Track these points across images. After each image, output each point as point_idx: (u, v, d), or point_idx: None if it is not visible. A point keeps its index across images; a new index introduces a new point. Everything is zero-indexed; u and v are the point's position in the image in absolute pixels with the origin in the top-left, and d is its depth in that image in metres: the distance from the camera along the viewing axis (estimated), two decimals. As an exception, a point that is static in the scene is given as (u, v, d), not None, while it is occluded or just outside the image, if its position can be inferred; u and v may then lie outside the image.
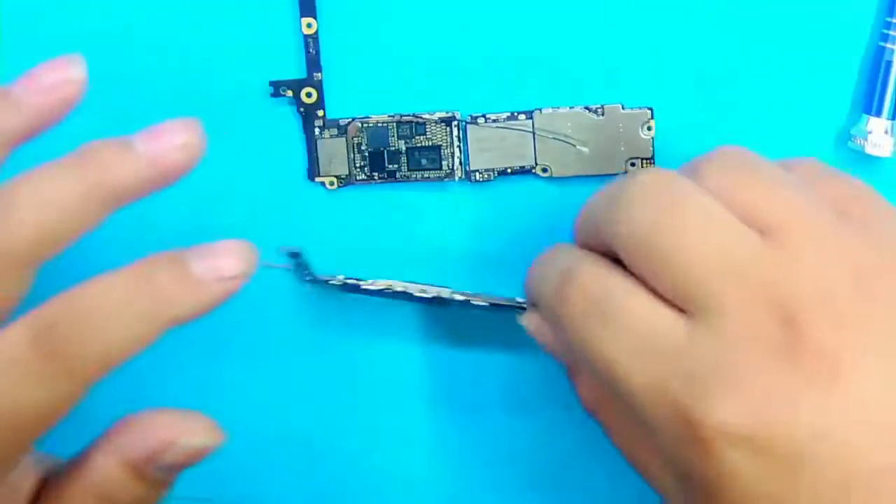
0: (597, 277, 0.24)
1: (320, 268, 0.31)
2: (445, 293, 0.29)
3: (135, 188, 0.24)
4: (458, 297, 0.28)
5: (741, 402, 0.21)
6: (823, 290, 0.21)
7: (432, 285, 0.29)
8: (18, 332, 0.23)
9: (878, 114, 0.28)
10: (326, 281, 0.29)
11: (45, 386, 0.23)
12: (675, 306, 0.22)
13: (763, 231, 0.22)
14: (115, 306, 0.23)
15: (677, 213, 0.22)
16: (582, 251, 0.25)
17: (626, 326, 0.23)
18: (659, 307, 0.23)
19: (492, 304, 0.28)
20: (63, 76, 0.24)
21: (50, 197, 0.23)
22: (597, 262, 0.24)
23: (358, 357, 0.32)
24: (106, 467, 0.24)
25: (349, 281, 0.29)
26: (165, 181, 0.24)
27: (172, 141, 0.23)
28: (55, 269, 0.32)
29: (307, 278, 0.29)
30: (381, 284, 0.29)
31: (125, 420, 0.25)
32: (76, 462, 0.25)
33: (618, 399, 0.23)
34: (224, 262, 0.23)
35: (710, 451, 0.21)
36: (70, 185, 0.23)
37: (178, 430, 0.24)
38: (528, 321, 0.27)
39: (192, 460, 0.24)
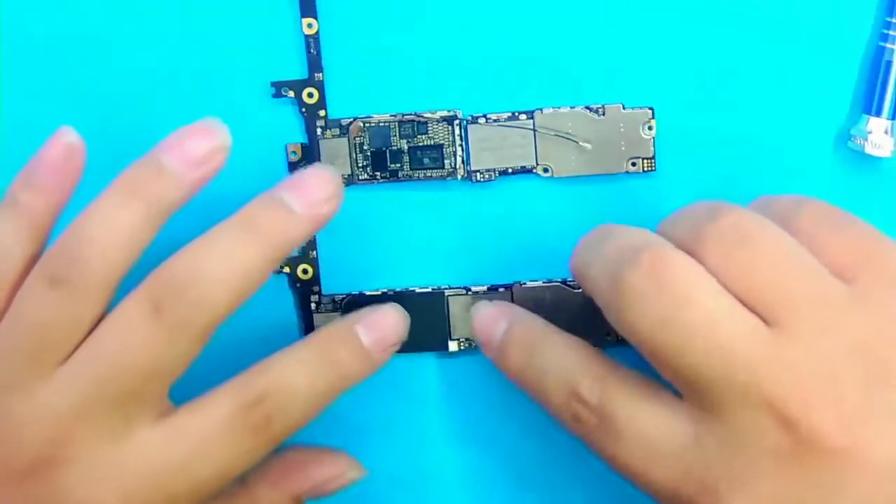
0: (601, 387, 0.24)
1: (322, 268, 0.31)
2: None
3: (299, 243, 0.27)
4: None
5: None
6: (828, 387, 0.21)
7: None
8: (225, 404, 0.26)
9: (878, 114, 0.28)
10: None
11: (254, 455, 0.26)
12: (688, 404, 0.23)
13: (766, 318, 0.22)
14: (307, 383, 0.26)
15: (682, 309, 0.22)
16: (580, 359, 0.25)
17: (635, 436, 0.23)
18: (668, 413, 0.23)
19: None
20: (213, 144, 0.26)
21: (239, 268, 0.25)
22: (599, 368, 0.25)
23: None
24: (275, 500, 0.29)
25: None
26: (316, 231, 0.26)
27: (321, 195, 0.26)
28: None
29: None
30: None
31: (291, 457, 0.29)
32: (237, 492, 0.28)
33: None
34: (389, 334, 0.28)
35: None
36: (252, 254, 0.25)
37: (339, 468, 0.29)
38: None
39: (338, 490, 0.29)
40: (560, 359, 0.25)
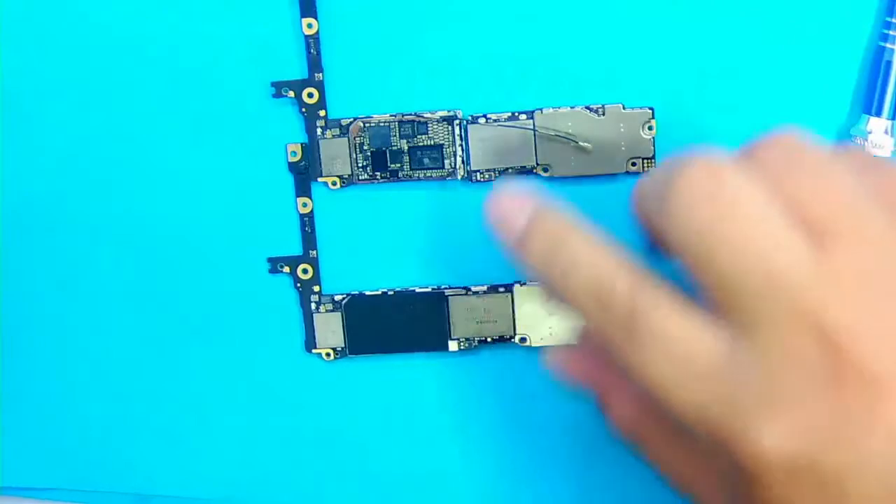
0: (635, 290, 0.22)
1: (323, 268, 0.31)
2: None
3: None
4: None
5: (783, 431, 0.20)
6: (871, 310, 0.20)
7: None
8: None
9: (879, 114, 0.28)
10: None
11: None
12: (718, 318, 0.22)
13: (814, 235, 0.21)
14: None
15: (727, 220, 0.21)
16: (613, 255, 0.23)
17: (665, 346, 0.22)
18: (704, 325, 0.22)
19: None
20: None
21: None
22: (633, 267, 0.23)
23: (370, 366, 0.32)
24: None
25: None
26: None
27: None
28: (55, 269, 0.32)
29: None
30: None
31: None
32: None
33: (660, 421, 0.23)
34: None
35: (756, 478, 0.21)
36: None
37: None
38: (554, 357, 0.26)
39: None
40: (591, 253, 0.23)
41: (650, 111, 0.29)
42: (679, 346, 0.21)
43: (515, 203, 0.25)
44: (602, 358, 0.26)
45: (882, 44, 0.28)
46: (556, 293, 0.24)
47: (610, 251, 0.23)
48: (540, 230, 0.24)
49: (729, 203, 0.21)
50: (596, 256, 0.23)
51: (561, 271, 0.23)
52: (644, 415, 0.25)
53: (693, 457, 0.24)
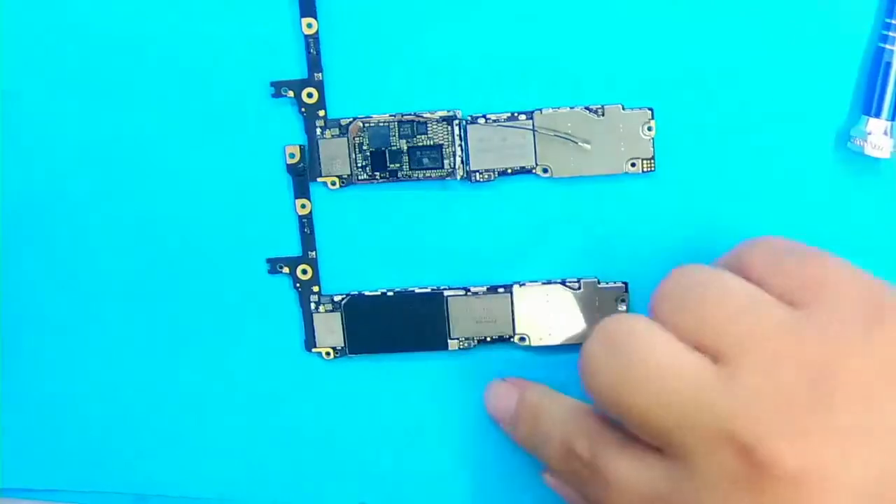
0: (591, 444, 0.26)
1: (322, 268, 0.31)
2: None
3: None
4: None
5: None
6: (777, 411, 0.22)
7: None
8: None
9: (878, 115, 0.28)
10: None
11: None
12: (662, 453, 0.24)
13: (716, 358, 0.23)
14: None
15: (632, 375, 0.24)
16: (576, 420, 0.27)
17: (620, 486, 0.24)
18: (648, 461, 0.24)
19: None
20: None
21: None
22: (591, 427, 0.26)
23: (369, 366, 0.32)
24: None
25: None
26: None
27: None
28: (55, 269, 0.32)
29: None
30: None
31: None
32: None
33: None
34: None
35: None
36: None
37: None
38: (550, 481, 0.29)
39: None
40: (559, 422, 0.27)
41: (650, 111, 0.29)
42: (631, 486, 0.24)
43: (504, 391, 0.30)
44: None
45: (881, 45, 0.28)
46: (541, 458, 0.28)
47: (573, 413, 0.27)
48: (521, 412, 0.29)
49: (630, 353, 0.24)
50: (562, 423, 0.27)
51: (540, 440, 0.28)
52: None
53: None
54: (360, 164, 0.30)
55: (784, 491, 0.21)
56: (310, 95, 0.30)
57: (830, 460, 0.21)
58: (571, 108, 0.29)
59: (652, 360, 0.23)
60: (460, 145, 0.30)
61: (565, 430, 0.27)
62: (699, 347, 0.23)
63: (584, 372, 0.25)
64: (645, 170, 0.29)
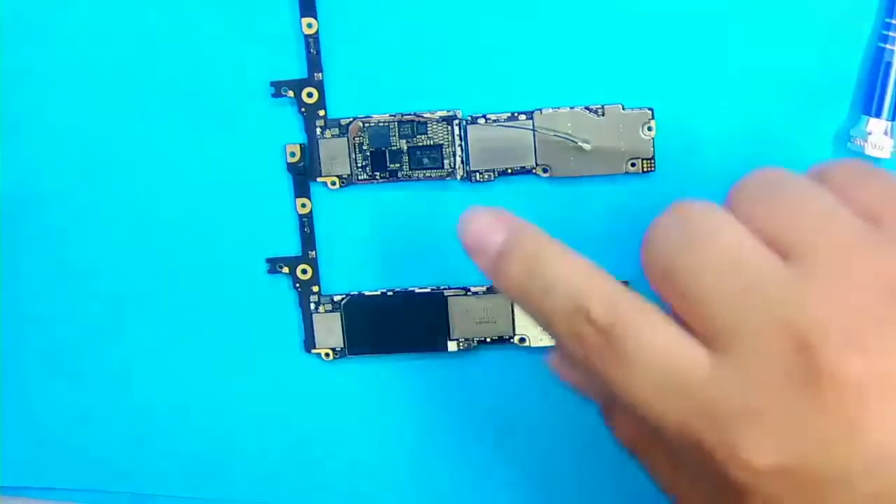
0: (612, 308, 0.22)
1: (322, 268, 0.31)
2: None
3: None
4: None
5: (765, 441, 0.20)
6: (845, 316, 0.20)
7: None
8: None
9: (878, 115, 0.28)
10: None
11: None
12: (701, 338, 0.22)
13: (787, 256, 0.21)
14: None
15: (698, 245, 0.22)
16: (591, 275, 0.23)
17: (648, 362, 0.21)
18: (683, 341, 0.22)
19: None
20: None
21: None
22: (611, 287, 0.23)
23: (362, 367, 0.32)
24: None
25: None
26: None
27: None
28: (54, 269, 0.32)
29: None
30: None
31: None
32: None
33: (655, 435, 0.23)
34: None
35: (741, 489, 0.21)
36: None
37: None
38: (552, 361, 0.27)
39: None
40: (568, 273, 0.23)
41: (649, 111, 0.29)
42: (658, 363, 0.21)
43: (490, 223, 0.24)
44: None
45: (882, 45, 0.28)
46: (535, 314, 0.24)
47: (587, 269, 0.23)
48: (517, 249, 0.24)
49: (702, 228, 0.22)
50: (573, 275, 0.23)
51: (539, 292, 0.23)
52: (639, 427, 0.25)
53: (683, 470, 0.24)
54: (360, 164, 0.30)
55: (842, 398, 0.20)
56: (310, 95, 0.30)
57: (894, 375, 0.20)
58: (571, 108, 0.29)
59: (722, 242, 0.22)
60: (460, 145, 0.30)
61: (576, 286, 0.23)
62: (772, 243, 0.22)
63: (647, 241, 0.22)
64: (645, 170, 0.29)
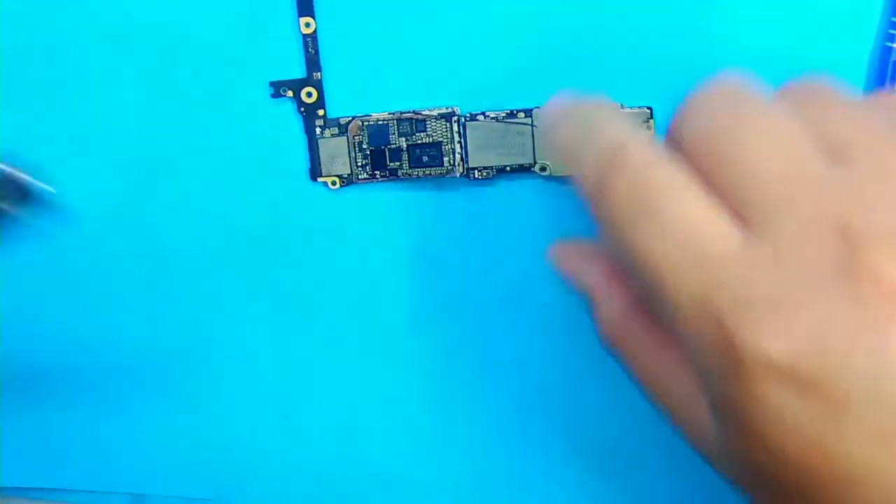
0: (649, 164, 0.21)
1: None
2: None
3: None
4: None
5: (789, 330, 0.19)
6: (891, 218, 0.19)
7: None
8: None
9: (883, 113, 0.28)
10: None
11: None
12: (735, 215, 0.21)
13: (836, 151, 0.21)
14: None
15: (748, 116, 0.21)
16: (633, 126, 0.23)
17: (676, 226, 0.21)
18: (716, 211, 0.21)
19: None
20: None
21: None
22: (650, 146, 0.22)
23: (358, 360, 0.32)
24: None
25: None
26: None
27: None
28: (53, 267, 0.33)
29: None
30: None
31: None
32: None
33: (653, 319, 0.22)
34: None
35: (751, 383, 0.19)
36: None
37: None
38: (552, 250, 0.27)
39: None
40: (618, 121, 0.23)
41: (649, 111, 0.29)
42: (688, 228, 0.20)
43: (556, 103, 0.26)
44: (599, 255, 0.25)
45: (888, 44, 0.28)
46: (575, 161, 0.23)
47: (639, 128, 0.23)
48: (579, 110, 0.25)
49: (753, 100, 0.21)
50: (617, 124, 0.23)
51: (586, 135, 0.23)
52: (631, 315, 0.24)
53: (675, 357, 0.23)
54: (359, 163, 0.30)
55: (880, 297, 0.18)
56: (309, 95, 0.30)
57: None
58: (571, 106, 0.29)
59: (772, 120, 0.21)
60: (459, 142, 0.30)
61: (622, 130, 0.22)
62: (824, 139, 0.21)
63: (687, 107, 0.22)
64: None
